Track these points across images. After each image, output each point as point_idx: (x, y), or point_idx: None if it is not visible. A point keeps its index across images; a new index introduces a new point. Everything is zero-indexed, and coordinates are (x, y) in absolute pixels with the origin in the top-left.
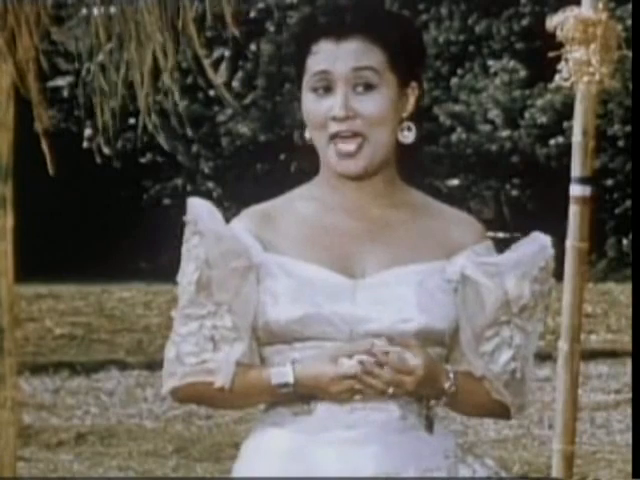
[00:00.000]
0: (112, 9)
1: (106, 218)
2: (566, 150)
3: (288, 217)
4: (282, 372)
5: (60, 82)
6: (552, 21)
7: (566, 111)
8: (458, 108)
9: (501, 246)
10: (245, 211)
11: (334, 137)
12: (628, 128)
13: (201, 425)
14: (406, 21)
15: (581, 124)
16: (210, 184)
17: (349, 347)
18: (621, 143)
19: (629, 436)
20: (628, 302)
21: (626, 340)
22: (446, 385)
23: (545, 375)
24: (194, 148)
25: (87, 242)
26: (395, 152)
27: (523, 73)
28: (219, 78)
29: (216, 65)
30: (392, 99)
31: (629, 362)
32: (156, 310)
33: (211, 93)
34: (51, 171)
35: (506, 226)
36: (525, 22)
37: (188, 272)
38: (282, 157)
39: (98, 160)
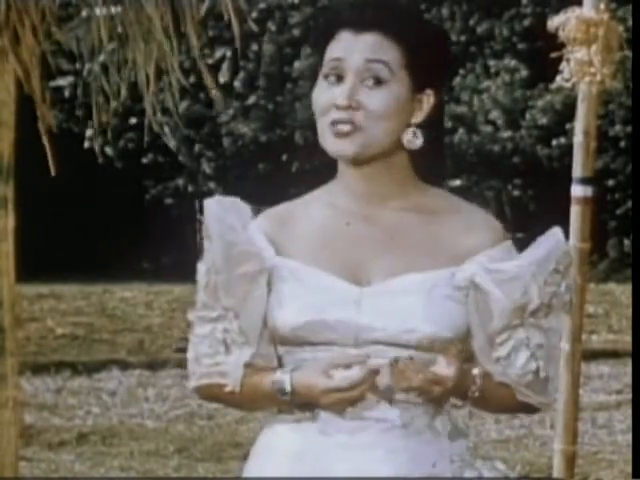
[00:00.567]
0: (114, 9)
1: (107, 218)
2: (567, 151)
3: (302, 221)
4: (281, 380)
5: (62, 82)
6: (554, 22)
7: (567, 112)
8: (460, 109)
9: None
10: (265, 212)
11: (333, 123)
12: (629, 129)
13: (203, 425)
14: (431, 26)
15: (582, 125)
16: (212, 184)
17: (343, 358)
18: (622, 144)
19: (630, 436)
20: (629, 302)
21: (627, 340)
22: (471, 391)
23: None
24: (196, 148)
25: (88, 242)
26: (409, 154)
27: (525, 73)
28: (220, 78)
29: (218, 65)
30: (400, 99)
31: (630, 362)
32: (157, 310)
33: (212, 94)
34: (52, 171)
35: (508, 226)
36: (527, 23)
37: (201, 274)
38: (284, 157)
39: (100, 160)
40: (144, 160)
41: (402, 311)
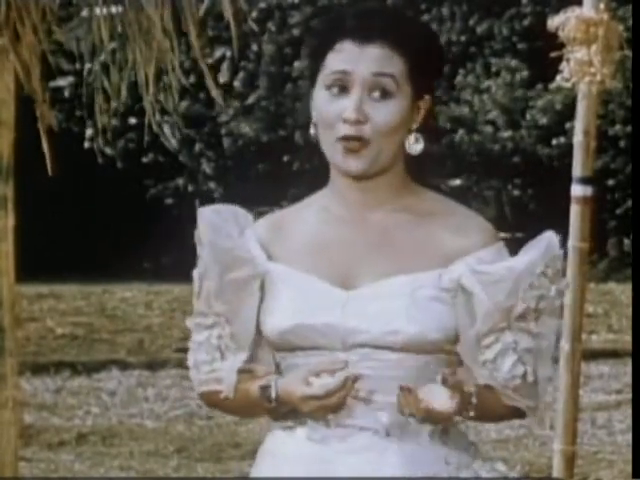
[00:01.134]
0: (114, 9)
1: (107, 218)
2: (567, 150)
3: (295, 226)
4: (267, 386)
5: (61, 82)
6: (554, 21)
7: (567, 111)
8: (460, 109)
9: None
10: (262, 218)
11: (340, 139)
12: (629, 128)
13: (202, 425)
14: (428, 31)
15: (582, 124)
16: (212, 184)
17: (322, 364)
18: (622, 143)
19: (630, 436)
20: (629, 302)
21: (627, 340)
22: (467, 410)
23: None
24: (196, 148)
25: (88, 242)
26: (404, 156)
27: (525, 73)
28: (221, 77)
29: (218, 65)
30: (405, 110)
31: (630, 362)
32: (157, 310)
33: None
34: (51, 171)
35: (508, 226)
36: (526, 22)
37: (194, 282)
38: (284, 157)
39: (100, 160)
40: (144, 160)
41: (386, 313)
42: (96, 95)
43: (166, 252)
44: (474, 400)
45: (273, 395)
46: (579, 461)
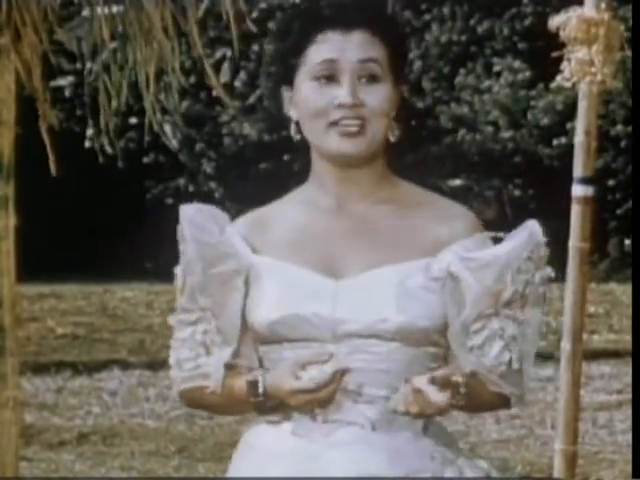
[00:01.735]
0: (115, 8)
1: (108, 218)
2: (568, 150)
3: (278, 221)
4: (254, 381)
5: (62, 82)
6: (554, 21)
7: (568, 111)
8: (461, 109)
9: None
10: (242, 216)
11: (334, 123)
12: (630, 128)
13: (203, 425)
14: (403, 24)
15: (583, 124)
16: (212, 184)
17: (312, 356)
18: (623, 143)
19: (631, 436)
20: (630, 302)
21: (628, 340)
22: (456, 400)
23: (547, 375)
24: (197, 148)
25: (89, 242)
26: (384, 147)
27: (526, 73)
28: (222, 78)
29: (218, 65)
30: (391, 95)
31: (631, 362)
32: (158, 310)
33: (214, 93)
34: (53, 171)
35: (508, 226)
36: (527, 22)
37: (178, 278)
38: (285, 157)
39: (101, 160)
40: (145, 160)
41: (376, 302)
42: (98, 95)
43: (166, 252)
44: (462, 390)
45: (261, 390)
46: (580, 461)
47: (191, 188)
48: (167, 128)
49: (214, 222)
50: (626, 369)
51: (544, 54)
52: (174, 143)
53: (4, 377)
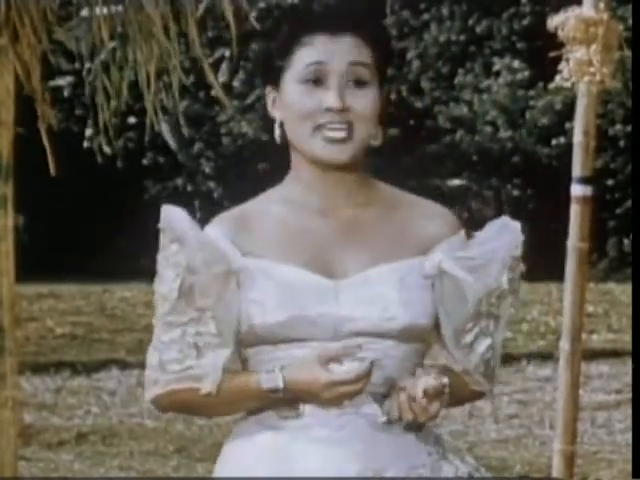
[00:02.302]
0: (114, 8)
1: (107, 218)
2: (567, 150)
3: (263, 220)
4: (272, 377)
5: (61, 82)
6: (553, 21)
7: (567, 111)
8: (459, 109)
9: None
10: (218, 217)
11: (321, 127)
12: (629, 128)
13: (202, 425)
14: (387, 28)
15: (582, 124)
16: (211, 184)
17: (336, 349)
18: (622, 143)
19: (630, 436)
20: (629, 302)
21: (627, 340)
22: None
23: (546, 375)
24: (195, 148)
25: (88, 242)
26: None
27: (525, 73)
28: (220, 77)
29: (217, 65)
30: (377, 99)
31: (630, 362)
32: None
33: (213, 93)
34: (52, 170)
35: None
36: (526, 22)
37: (168, 279)
38: (284, 157)
39: (99, 160)
40: (144, 160)
41: (381, 300)
42: (97, 95)
43: None
44: (446, 390)
45: (281, 386)
46: (579, 461)
47: (190, 188)
48: (167, 128)
49: (195, 223)
50: (625, 369)
51: (543, 54)
52: (173, 143)
53: (3, 377)
